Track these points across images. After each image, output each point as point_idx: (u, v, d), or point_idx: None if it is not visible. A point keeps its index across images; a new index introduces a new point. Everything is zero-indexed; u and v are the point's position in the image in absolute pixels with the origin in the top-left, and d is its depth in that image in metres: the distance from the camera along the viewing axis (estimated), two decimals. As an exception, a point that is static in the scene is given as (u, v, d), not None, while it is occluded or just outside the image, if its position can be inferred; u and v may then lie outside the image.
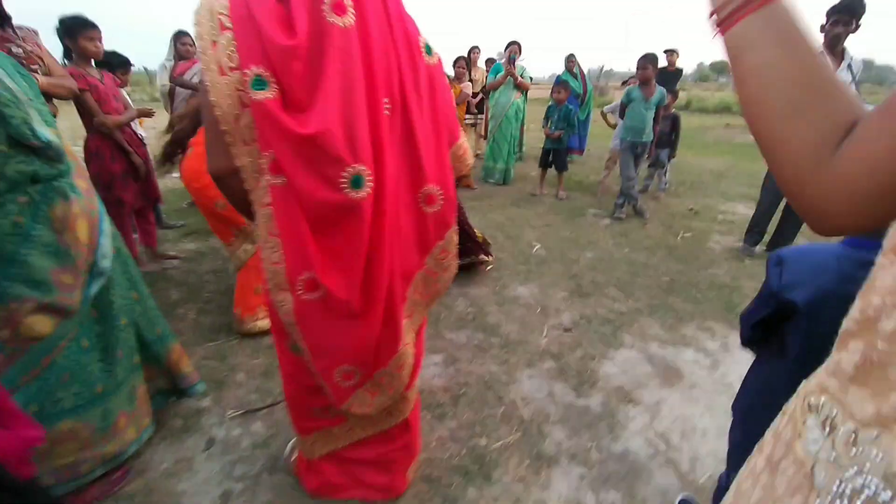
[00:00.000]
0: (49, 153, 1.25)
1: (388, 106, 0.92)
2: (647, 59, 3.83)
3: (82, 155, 2.67)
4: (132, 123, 2.80)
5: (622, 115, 4.12)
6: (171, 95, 3.80)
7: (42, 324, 1.18)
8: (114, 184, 2.67)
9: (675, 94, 4.85)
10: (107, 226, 1.42)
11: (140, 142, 2.90)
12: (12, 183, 1.17)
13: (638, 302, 2.61)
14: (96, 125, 2.54)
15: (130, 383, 1.48)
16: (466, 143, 1.16)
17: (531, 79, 5.54)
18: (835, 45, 2.77)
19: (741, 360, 2.06)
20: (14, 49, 1.94)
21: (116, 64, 3.11)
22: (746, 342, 1.07)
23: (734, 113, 15.94)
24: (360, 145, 0.87)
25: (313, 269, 0.93)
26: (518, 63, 5.19)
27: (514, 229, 3.81)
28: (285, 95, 0.84)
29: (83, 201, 1.34)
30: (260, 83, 0.82)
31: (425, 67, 0.99)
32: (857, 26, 2.74)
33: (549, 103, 4.80)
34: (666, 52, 6.48)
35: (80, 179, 1.36)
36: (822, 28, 2.81)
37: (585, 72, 6.45)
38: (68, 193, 1.28)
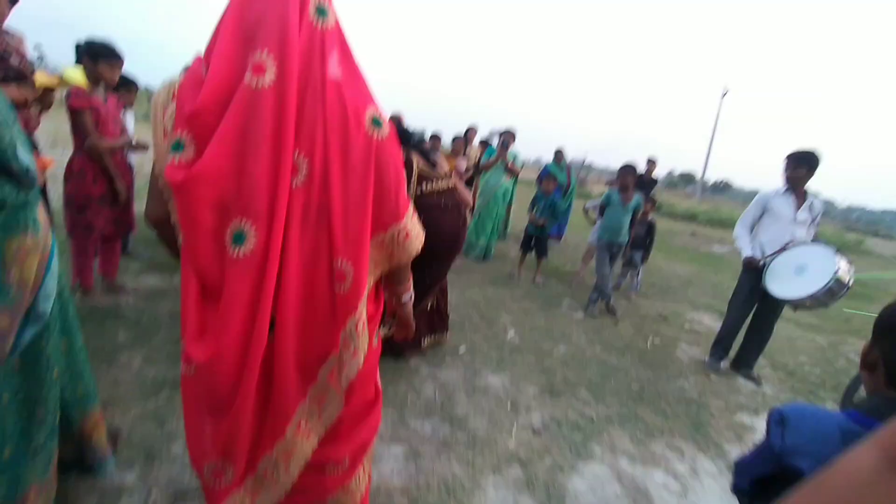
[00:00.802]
0: (24, 180, 1.18)
1: (304, 169, 0.88)
2: (628, 170, 4.15)
3: (62, 170, 2.56)
4: (123, 149, 2.73)
5: (601, 214, 4.34)
6: None
7: (-35, 376, 1.03)
8: (88, 207, 2.55)
9: (652, 202, 5.18)
10: (55, 264, 1.30)
11: (128, 168, 2.82)
12: None
13: (609, 408, 2.56)
14: (87, 146, 2.47)
15: (48, 449, 1.28)
16: (413, 226, 1.02)
17: (522, 164, 5.85)
18: (796, 187, 3.06)
19: (710, 489, 2.00)
20: (12, 60, 1.90)
21: (121, 84, 3.09)
22: (738, 492, 1.02)
23: (699, 222, 17.19)
24: (250, 200, 0.85)
25: (185, 336, 0.89)
26: (511, 150, 5.50)
27: (490, 311, 3.79)
28: (197, 153, 0.85)
29: (40, 235, 1.24)
30: (177, 146, 0.85)
31: (366, 139, 0.91)
32: (814, 173, 3.05)
33: (536, 192, 5.04)
34: (648, 160, 7.08)
35: (41, 211, 1.27)
36: (785, 171, 3.12)
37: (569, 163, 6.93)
38: (29, 226, 1.19)
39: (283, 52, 0.83)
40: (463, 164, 5.29)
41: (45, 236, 1.26)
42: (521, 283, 4.81)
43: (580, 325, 3.83)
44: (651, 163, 7.00)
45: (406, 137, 2.30)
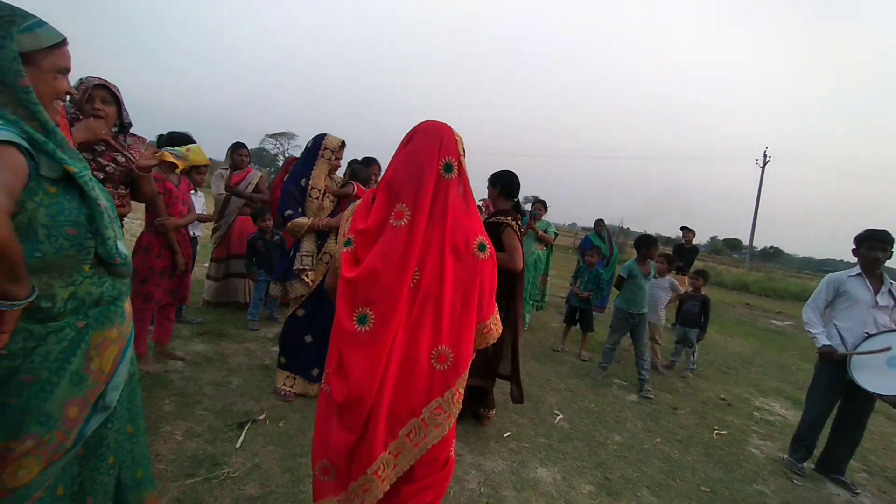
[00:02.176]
0: (122, 270, 1.24)
1: (416, 279, 1.24)
2: (645, 241, 4.14)
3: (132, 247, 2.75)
4: (188, 226, 2.93)
5: (618, 286, 4.12)
6: (225, 202, 4.04)
7: (29, 469, 1.02)
8: (150, 279, 2.69)
9: (704, 277, 4.92)
10: (129, 352, 1.33)
11: (190, 241, 2.99)
12: (79, 303, 1.14)
13: (677, 516, 2.25)
14: (157, 224, 2.65)
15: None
16: (495, 324, 1.37)
17: (556, 234, 5.79)
18: (873, 269, 2.82)
19: None
20: (119, 158, 2.11)
21: (193, 167, 3.38)
22: None
23: (752, 292, 16.15)
24: (378, 297, 1.22)
25: (330, 368, 1.27)
26: (543, 219, 5.50)
27: (535, 389, 3.57)
28: (356, 253, 1.28)
29: (124, 326, 1.28)
30: (347, 243, 1.31)
31: (473, 260, 1.28)
32: (892, 253, 2.81)
33: (579, 264, 4.93)
34: (682, 229, 6.86)
35: (127, 302, 1.32)
36: (856, 252, 2.90)
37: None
38: (116, 319, 1.24)
39: (415, 206, 1.24)
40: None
41: (128, 326, 1.31)
42: (565, 358, 4.57)
43: (634, 410, 3.52)
44: (688, 231, 6.75)
45: (513, 197, 2.88)
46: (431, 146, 1.29)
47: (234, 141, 4.18)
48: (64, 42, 1.13)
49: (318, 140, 2.67)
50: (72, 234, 1.10)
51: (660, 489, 2.46)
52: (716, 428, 3.42)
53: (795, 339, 7.72)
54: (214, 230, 4.09)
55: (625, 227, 31.67)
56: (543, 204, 5.54)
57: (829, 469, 2.92)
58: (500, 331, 1.39)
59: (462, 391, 1.28)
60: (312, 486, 1.34)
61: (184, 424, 2.34)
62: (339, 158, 2.71)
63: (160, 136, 2.77)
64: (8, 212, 0.94)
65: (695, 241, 6.90)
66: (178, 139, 2.71)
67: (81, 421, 1.14)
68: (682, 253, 6.58)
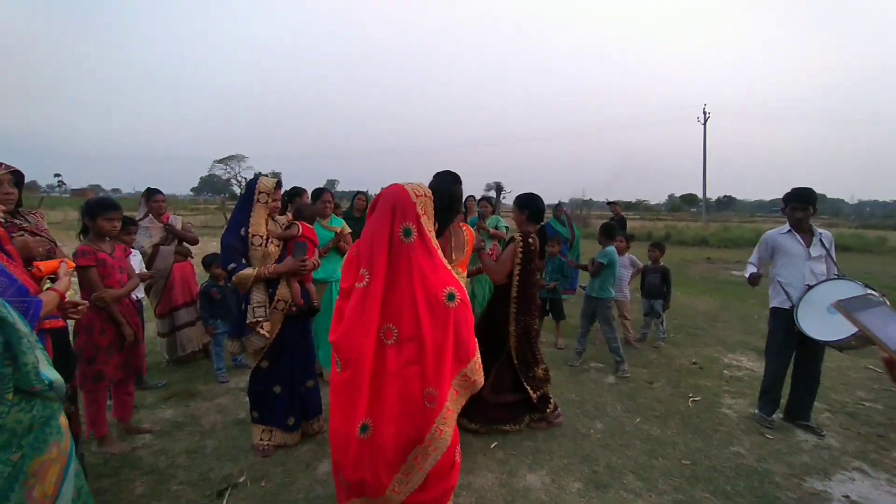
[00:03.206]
0: (50, 394, 1.17)
1: (395, 334, 1.52)
2: (616, 230, 4.43)
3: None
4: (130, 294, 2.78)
5: (596, 275, 4.14)
6: (152, 256, 3.75)
7: None
8: (97, 358, 2.55)
9: (657, 247, 5.10)
10: (73, 465, 1.26)
11: (135, 310, 2.85)
12: (10, 435, 1.07)
13: (662, 496, 2.33)
14: (94, 299, 2.50)
15: None
16: (478, 364, 1.63)
17: (507, 228, 5.77)
18: (800, 226, 3.00)
19: None
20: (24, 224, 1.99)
21: (122, 226, 3.17)
22: None
23: (712, 245, 16.90)
24: (350, 352, 1.53)
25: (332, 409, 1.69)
26: (493, 216, 5.53)
27: (516, 390, 3.61)
28: (341, 309, 1.61)
29: (62, 442, 1.21)
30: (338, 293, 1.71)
31: (444, 310, 1.51)
32: (814, 210, 3.00)
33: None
34: (608, 204, 7.23)
35: (62, 416, 1.25)
36: (784, 211, 3.08)
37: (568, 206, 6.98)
38: (53, 439, 1.17)
39: (371, 269, 1.50)
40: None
41: (67, 441, 1.24)
42: (541, 349, 4.64)
43: (613, 392, 3.63)
44: (613, 204, 7.12)
45: (539, 221, 3.07)
46: (386, 215, 1.52)
47: (147, 187, 3.97)
48: None
49: (252, 184, 2.58)
50: None
51: (644, 471, 2.55)
52: (690, 395, 3.57)
53: (755, 289, 8.14)
54: (149, 287, 3.80)
55: (587, 198, 32.41)
56: (489, 200, 5.56)
57: (796, 416, 3.10)
58: (481, 373, 1.65)
59: (453, 408, 1.56)
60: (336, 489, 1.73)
61: (159, 505, 2.24)
62: (276, 200, 2.62)
63: (81, 208, 2.62)
64: None
65: (654, 202, 7.32)
66: (94, 207, 2.56)
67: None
68: (617, 226, 6.89)
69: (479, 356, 1.61)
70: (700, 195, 38.07)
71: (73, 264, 1.88)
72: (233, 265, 2.46)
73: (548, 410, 3.00)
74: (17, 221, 2.11)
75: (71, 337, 2.54)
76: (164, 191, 4.14)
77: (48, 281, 1.86)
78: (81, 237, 2.65)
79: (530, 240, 2.89)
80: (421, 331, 1.47)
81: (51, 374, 1.18)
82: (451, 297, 1.51)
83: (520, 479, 2.48)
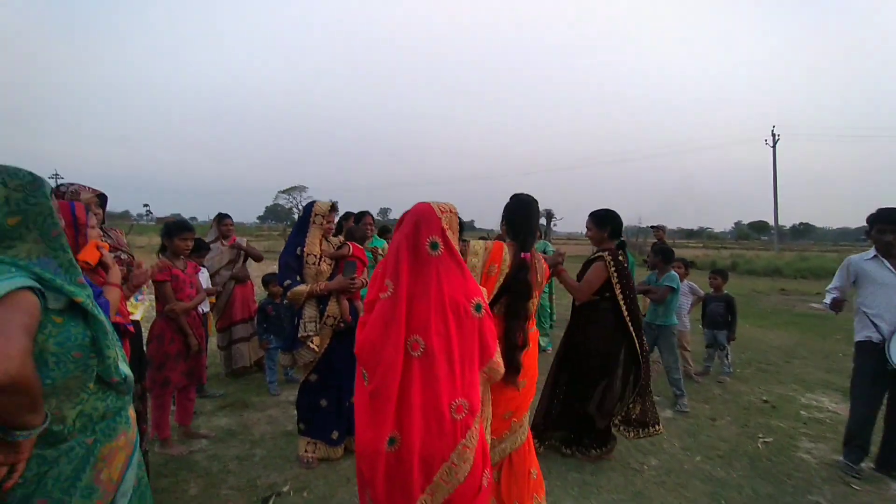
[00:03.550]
0: (123, 388, 1.30)
1: (423, 346, 1.47)
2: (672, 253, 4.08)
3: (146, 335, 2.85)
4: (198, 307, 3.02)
5: (658, 302, 3.91)
6: (213, 275, 3.96)
7: None
8: (165, 364, 2.77)
9: (719, 274, 4.77)
10: (136, 457, 1.37)
11: (201, 322, 3.08)
12: (87, 420, 1.19)
13: (726, 545, 2.10)
14: (166, 311, 2.75)
15: None
16: (499, 359, 1.64)
17: (553, 252, 5.63)
18: (888, 251, 2.70)
19: None
20: (123, 256, 2.24)
21: (195, 249, 3.49)
22: None
23: (786, 276, 15.48)
24: (376, 361, 1.48)
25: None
26: (543, 240, 5.45)
27: (562, 419, 3.46)
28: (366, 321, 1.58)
29: (130, 433, 1.32)
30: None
31: (472, 321, 1.53)
32: None
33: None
34: (653, 228, 6.79)
35: (131, 408, 1.37)
36: (869, 234, 2.79)
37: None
38: (122, 428, 1.28)
39: (396, 280, 1.50)
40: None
41: (133, 432, 1.36)
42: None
43: (670, 427, 3.36)
44: (657, 229, 6.63)
45: (618, 237, 2.93)
46: (410, 229, 1.54)
47: (218, 213, 4.37)
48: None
49: (308, 208, 2.76)
50: (77, 357, 1.15)
51: (705, 515, 2.32)
52: (760, 436, 3.23)
53: (838, 321, 7.29)
54: (213, 304, 4.10)
55: (643, 225, 31.10)
56: (539, 227, 5.54)
57: (889, 466, 2.71)
58: (503, 368, 1.67)
59: (479, 427, 1.54)
60: None
61: (210, 507, 2.35)
62: (330, 222, 2.78)
63: (161, 230, 2.93)
64: (30, 352, 1.00)
65: (718, 230, 6.86)
66: (171, 229, 2.86)
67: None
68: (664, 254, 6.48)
69: (498, 356, 1.63)
70: (771, 222, 35.31)
71: (108, 245, 2.07)
72: (288, 282, 2.62)
73: (607, 447, 2.85)
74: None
75: (144, 344, 2.81)
76: (234, 219, 4.54)
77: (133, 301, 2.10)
78: (160, 255, 2.94)
79: (620, 257, 2.75)
80: (450, 342, 1.47)
81: (126, 369, 1.31)
82: (478, 307, 1.54)
83: (564, 512, 2.34)
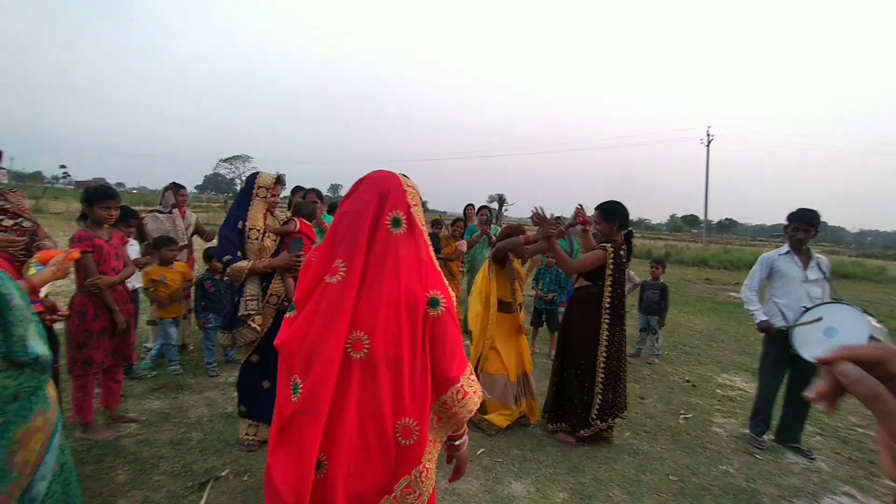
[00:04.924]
0: (36, 367, 1.18)
1: (367, 345, 1.11)
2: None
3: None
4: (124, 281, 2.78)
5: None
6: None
7: None
8: (88, 343, 2.54)
9: (661, 266, 5.10)
10: (57, 439, 1.26)
11: (129, 297, 2.84)
12: None
13: (648, 511, 2.31)
14: (87, 285, 2.51)
15: None
16: (469, 385, 1.19)
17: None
18: (799, 248, 3.00)
19: None
20: (26, 224, 1.99)
21: (122, 218, 3.18)
22: None
23: (710, 266, 16.91)
24: (307, 362, 1.11)
25: (271, 444, 1.14)
26: (493, 225, 5.58)
27: (506, 398, 3.59)
28: (296, 317, 1.20)
29: (48, 412, 1.21)
30: (291, 308, 1.23)
31: (423, 320, 1.16)
32: (816, 232, 3.01)
33: (540, 266, 5.01)
34: (577, 211, 7.17)
35: (50, 386, 1.25)
36: (785, 229, 3.09)
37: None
38: (39, 408, 1.17)
39: (350, 260, 1.15)
40: (464, 246, 5.35)
41: (53, 412, 1.24)
42: (535, 360, 4.62)
43: (604, 405, 3.60)
44: (579, 212, 7.05)
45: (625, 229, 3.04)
46: (373, 198, 1.20)
47: (171, 181, 4.03)
48: None
49: (251, 179, 2.60)
50: None
51: (631, 485, 2.52)
52: (682, 412, 3.54)
53: (752, 308, 8.13)
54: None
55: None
56: (488, 209, 5.65)
57: (786, 438, 3.07)
58: (479, 394, 1.21)
59: (430, 467, 1.17)
60: None
61: (140, 494, 2.22)
62: (275, 195, 2.64)
63: (81, 196, 2.64)
64: None
65: (655, 221, 7.28)
66: (92, 195, 2.59)
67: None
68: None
69: (467, 382, 1.20)
70: (702, 216, 38.19)
71: (78, 254, 1.88)
72: (228, 257, 2.46)
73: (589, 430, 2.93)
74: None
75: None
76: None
77: (33, 268, 1.87)
78: (80, 223, 2.66)
79: (621, 251, 2.88)
80: (400, 347, 1.13)
81: (39, 348, 1.19)
82: (434, 302, 1.17)
83: (504, 486, 2.45)
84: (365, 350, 1.12)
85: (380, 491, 1.11)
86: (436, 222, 5.74)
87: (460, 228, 5.47)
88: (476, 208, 6.20)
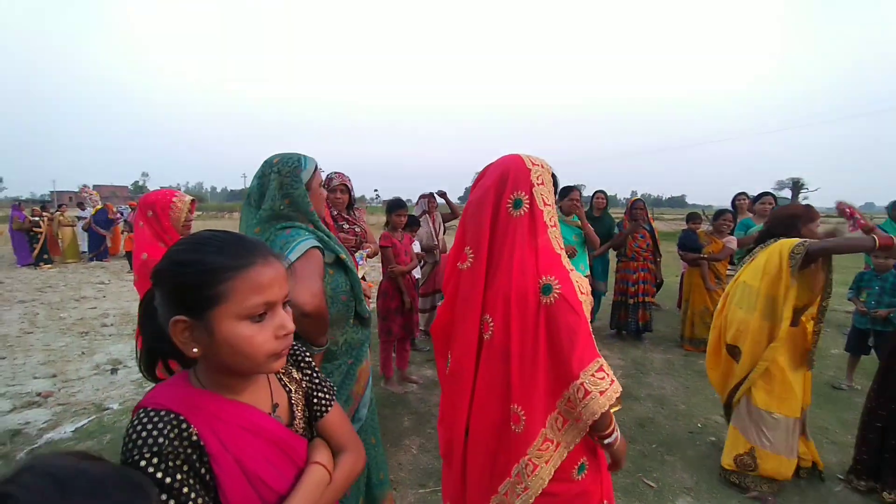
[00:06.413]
0: (368, 321, 1.71)
1: (492, 327, 1.17)
2: None
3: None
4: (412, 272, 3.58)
5: None
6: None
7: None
8: (388, 317, 3.39)
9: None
10: (372, 380, 1.77)
11: (413, 285, 3.64)
12: (349, 347, 1.62)
13: None
14: (388, 272, 3.36)
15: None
16: (591, 384, 1.05)
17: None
18: None
19: None
20: (357, 230, 2.82)
21: (408, 224, 4.04)
22: None
23: None
24: (455, 341, 1.27)
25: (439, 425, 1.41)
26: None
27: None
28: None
29: (369, 359, 1.72)
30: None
31: (535, 308, 1.12)
32: None
33: (869, 267, 3.64)
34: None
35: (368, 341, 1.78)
36: None
37: None
38: (365, 355, 1.69)
39: (477, 246, 1.22)
40: (733, 243, 4.43)
41: (369, 361, 1.78)
42: (853, 399, 3.38)
43: None
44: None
45: None
46: (493, 183, 1.21)
47: (426, 192, 4.91)
48: (316, 165, 1.56)
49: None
50: (344, 300, 1.57)
51: None
52: None
53: None
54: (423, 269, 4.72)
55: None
56: (773, 196, 4.39)
57: None
58: (609, 395, 1.07)
59: (539, 464, 1.11)
60: None
61: (418, 440, 2.81)
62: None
63: (385, 206, 3.55)
64: (324, 292, 1.42)
65: None
66: (391, 205, 3.46)
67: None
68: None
69: (590, 379, 1.07)
70: None
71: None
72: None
73: None
74: (345, 217, 2.87)
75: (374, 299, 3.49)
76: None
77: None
78: (385, 228, 3.59)
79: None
80: (508, 331, 1.14)
81: (368, 309, 1.70)
82: (546, 289, 1.11)
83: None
84: (490, 332, 1.19)
85: (502, 471, 1.17)
86: (692, 216, 4.96)
87: (728, 222, 4.53)
88: (751, 198, 5.01)
